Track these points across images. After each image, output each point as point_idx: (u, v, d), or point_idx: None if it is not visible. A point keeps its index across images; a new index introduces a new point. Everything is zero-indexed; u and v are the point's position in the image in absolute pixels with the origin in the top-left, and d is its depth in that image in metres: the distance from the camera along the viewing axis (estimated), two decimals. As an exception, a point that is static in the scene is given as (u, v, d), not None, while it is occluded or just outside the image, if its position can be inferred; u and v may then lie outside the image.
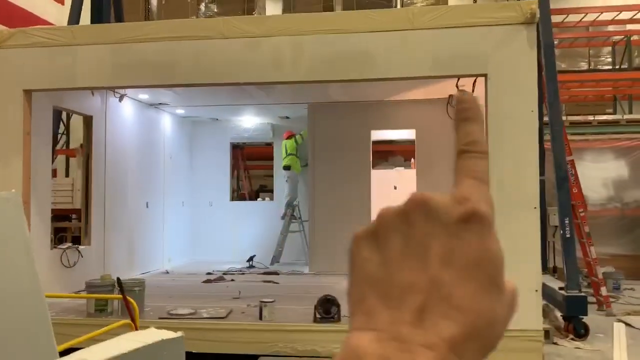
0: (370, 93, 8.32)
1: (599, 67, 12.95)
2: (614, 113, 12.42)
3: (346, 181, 8.95)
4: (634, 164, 10.93)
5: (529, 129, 4.94)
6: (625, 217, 10.96)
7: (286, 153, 10.19)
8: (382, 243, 0.42)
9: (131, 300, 3.14)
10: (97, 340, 2.56)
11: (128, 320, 2.98)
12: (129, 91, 8.13)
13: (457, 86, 7.20)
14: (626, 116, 11.67)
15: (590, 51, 13.05)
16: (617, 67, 12.44)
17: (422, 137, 8.96)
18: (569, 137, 9.98)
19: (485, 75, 5.08)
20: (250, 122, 10.81)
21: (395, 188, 9.95)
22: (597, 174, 10.95)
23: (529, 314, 4.86)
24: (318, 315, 5.30)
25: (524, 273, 4.89)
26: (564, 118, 10.59)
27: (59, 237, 8.43)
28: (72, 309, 5.81)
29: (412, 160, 9.67)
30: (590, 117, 11.47)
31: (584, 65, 13.03)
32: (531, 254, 4.89)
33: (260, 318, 5.39)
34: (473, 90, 7.27)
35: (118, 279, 3.35)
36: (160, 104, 9.23)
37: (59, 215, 8.65)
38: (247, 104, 9.26)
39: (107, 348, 1.83)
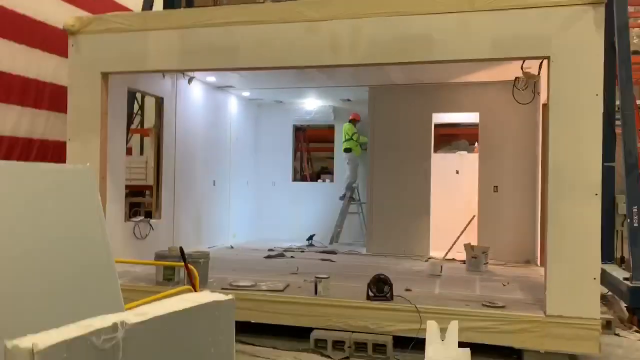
0: (433, 75, 8.25)
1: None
2: (701, 97, 11.55)
3: (405, 164, 8.96)
4: None
5: (593, 114, 4.77)
6: None
7: (345, 137, 10.31)
8: None
9: (192, 267, 3.41)
10: (160, 302, 2.79)
11: (189, 286, 3.24)
12: (197, 74, 8.50)
13: (522, 68, 7.01)
14: None
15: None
16: None
17: (486, 120, 8.80)
18: (646, 123, 9.42)
19: (548, 58, 4.95)
20: (312, 105, 10.99)
21: (457, 172, 9.85)
22: (678, 162, 10.27)
23: (586, 302, 4.77)
24: (371, 294, 5.44)
25: (583, 260, 4.80)
26: (640, 102, 10.02)
27: (134, 211, 9.01)
28: (142, 278, 6.26)
29: (476, 144, 9.51)
30: (672, 101, 10.74)
31: (671, 45, 12.13)
32: (591, 241, 4.78)
33: (315, 293, 5.59)
34: (539, 73, 7.07)
35: (181, 248, 3.63)
36: (226, 86, 9.58)
37: (134, 191, 9.24)
38: (310, 86, 9.43)
39: (166, 305, 2.05)
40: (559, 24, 4.85)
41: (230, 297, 2.24)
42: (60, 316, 1.96)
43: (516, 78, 7.89)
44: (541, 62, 6.56)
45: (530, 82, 7.83)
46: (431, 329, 2.68)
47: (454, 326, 2.70)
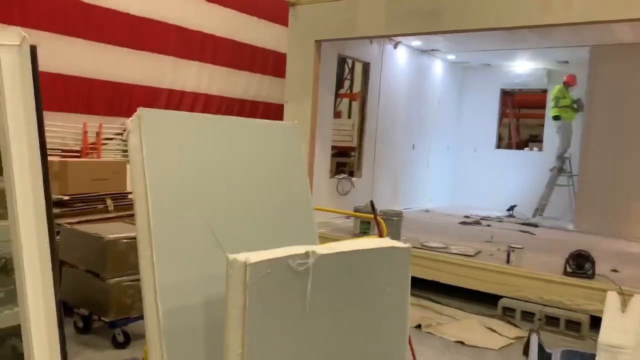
0: (672, 32, 7.10)
1: None
2: None
3: (628, 135, 7.98)
4: None
5: None
6: None
7: (553, 103, 9.48)
8: None
9: (379, 219, 3.71)
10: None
11: (376, 236, 3.55)
12: (402, 38, 8.68)
13: None
14: None
15: None
16: None
17: None
18: None
19: None
20: (523, 67, 10.34)
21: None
22: None
23: None
24: (569, 269, 5.15)
25: None
26: None
27: (340, 170, 9.75)
28: (342, 230, 6.85)
29: None
30: None
31: None
32: None
33: (507, 262, 5.49)
34: None
35: (371, 201, 3.94)
36: (432, 50, 9.58)
37: (341, 151, 9.96)
38: (521, 48, 8.89)
39: (350, 244, 2.36)
40: None
41: (407, 245, 2.45)
42: (268, 244, 2.38)
43: None
44: None
45: None
46: (611, 299, 2.54)
47: (637, 299, 2.52)
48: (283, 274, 2.04)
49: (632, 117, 7.96)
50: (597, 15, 4.93)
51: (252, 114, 9.96)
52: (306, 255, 2.09)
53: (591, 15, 4.94)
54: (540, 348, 2.57)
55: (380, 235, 3.49)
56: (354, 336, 2.30)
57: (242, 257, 2.01)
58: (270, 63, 10.13)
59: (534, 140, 11.90)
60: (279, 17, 8.96)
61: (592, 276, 5.03)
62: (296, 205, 2.91)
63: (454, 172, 11.02)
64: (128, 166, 6.29)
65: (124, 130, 2.46)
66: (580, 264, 5.10)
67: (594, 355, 2.47)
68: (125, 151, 7.37)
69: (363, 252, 2.30)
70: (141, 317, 4.02)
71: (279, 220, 2.79)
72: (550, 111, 9.80)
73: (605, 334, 2.46)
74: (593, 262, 5.05)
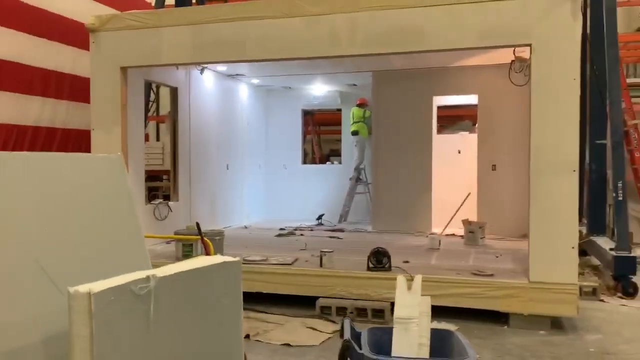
0: (432, 60, 8.61)
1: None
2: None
3: (408, 146, 9.40)
4: None
5: (571, 97, 5.17)
6: None
7: (353, 120, 10.77)
8: None
9: (207, 240, 3.94)
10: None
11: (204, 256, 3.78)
12: (209, 64, 8.97)
13: (514, 53, 7.39)
14: None
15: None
16: None
17: (485, 102, 9.17)
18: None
19: (529, 45, 5.35)
20: (320, 90, 11.43)
21: (459, 152, 10.26)
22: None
23: (565, 269, 5.23)
24: (371, 265, 5.96)
25: (562, 231, 5.26)
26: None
27: (152, 194, 9.60)
28: (164, 255, 6.84)
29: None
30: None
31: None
32: (569, 214, 5.23)
33: (321, 265, 6.13)
34: (530, 57, 7.43)
35: (197, 223, 4.15)
36: (237, 74, 10.05)
37: (152, 176, 9.82)
38: (317, 73, 9.86)
39: (185, 265, 2.58)
40: (538, 14, 5.24)
41: (237, 259, 2.76)
42: (102, 275, 2.48)
43: (512, 61, 8.25)
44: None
45: (524, 65, 8.18)
46: (400, 282, 3.21)
47: (418, 279, 3.23)
48: (126, 299, 2.19)
49: (409, 130, 9.41)
50: (374, 48, 5.85)
51: (49, 141, 9.25)
52: (147, 279, 2.27)
53: (370, 49, 5.84)
54: (352, 329, 3.09)
55: (208, 254, 3.72)
56: (195, 348, 2.53)
57: (84, 288, 2.11)
58: (67, 87, 9.56)
59: (334, 154, 13.17)
60: (75, 39, 8.56)
61: (389, 269, 5.90)
62: (126, 234, 3.01)
63: (267, 188, 11.63)
64: None
65: None
66: (379, 260, 5.95)
67: (392, 329, 3.06)
68: None
69: (198, 270, 2.54)
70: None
71: (110, 251, 2.87)
72: (347, 128, 11.03)
73: (398, 309, 3.08)
74: (389, 257, 5.94)
